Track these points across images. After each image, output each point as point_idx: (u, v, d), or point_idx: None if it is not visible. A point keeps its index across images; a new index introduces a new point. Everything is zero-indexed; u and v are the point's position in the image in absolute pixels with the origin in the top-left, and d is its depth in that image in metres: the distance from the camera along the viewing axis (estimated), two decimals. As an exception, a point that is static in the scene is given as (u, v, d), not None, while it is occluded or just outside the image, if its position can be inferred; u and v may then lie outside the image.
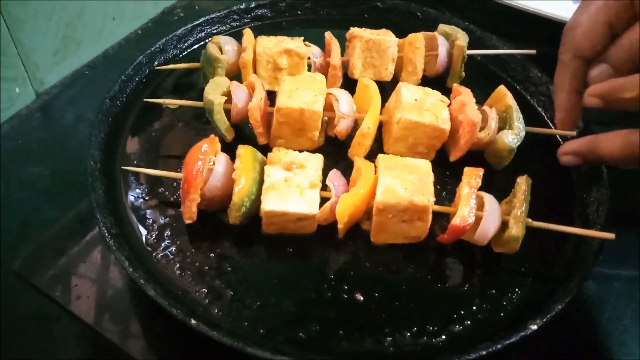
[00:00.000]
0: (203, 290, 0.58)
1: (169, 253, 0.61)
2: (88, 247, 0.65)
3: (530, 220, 0.60)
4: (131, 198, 0.65)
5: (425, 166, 0.62)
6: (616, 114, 0.64)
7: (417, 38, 0.76)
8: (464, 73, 0.79)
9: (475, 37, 0.82)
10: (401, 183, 0.59)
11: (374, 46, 0.76)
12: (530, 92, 0.81)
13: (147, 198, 0.65)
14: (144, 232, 0.62)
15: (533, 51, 0.79)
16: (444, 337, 0.57)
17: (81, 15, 0.84)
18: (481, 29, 0.85)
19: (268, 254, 0.62)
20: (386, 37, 0.76)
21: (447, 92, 0.72)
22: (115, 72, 0.75)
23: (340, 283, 0.60)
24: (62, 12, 0.81)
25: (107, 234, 0.58)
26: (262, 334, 0.56)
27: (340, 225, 0.60)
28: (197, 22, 0.82)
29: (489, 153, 0.70)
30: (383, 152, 0.68)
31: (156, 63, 0.78)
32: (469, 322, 0.58)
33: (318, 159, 0.63)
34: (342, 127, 0.68)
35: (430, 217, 0.60)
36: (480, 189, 0.61)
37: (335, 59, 0.75)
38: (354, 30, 0.77)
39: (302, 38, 0.76)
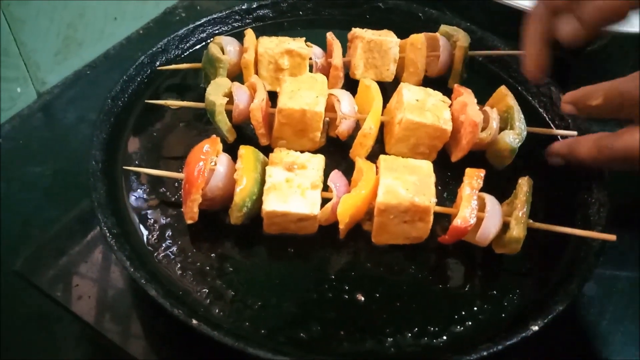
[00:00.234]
0: (204, 290, 0.58)
1: (170, 253, 0.61)
2: (89, 247, 0.66)
3: (531, 221, 0.60)
4: (132, 198, 0.65)
5: (426, 167, 0.62)
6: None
7: (419, 39, 0.76)
8: (465, 74, 0.79)
9: (476, 38, 0.82)
10: (402, 184, 0.60)
11: (375, 47, 0.76)
12: (532, 93, 0.81)
13: (148, 198, 0.65)
14: (145, 232, 0.62)
15: (534, 52, 0.79)
16: (445, 337, 0.57)
17: (82, 15, 0.84)
18: (483, 29, 0.85)
19: (269, 255, 0.62)
20: (388, 38, 0.76)
21: (448, 92, 0.72)
22: (116, 72, 0.75)
23: (341, 283, 0.60)
24: (64, 12, 0.81)
25: (108, 234, 0.58)
26: (263, 335, 0.56)
27: (341, 226, 0.60)
28: (199, 22, 0.82)
29: (491, 153, 0.70)
30: (384, 153, 0.68)
31: (158, 63, 0.78)
32: (470, 323, 0.58)
33: (319, 160, 0.63)
34: (343, 127, 0.68)
35: (431, 218, 0.60)
36: (482, 190, 0.61)
37: (337, 59, 0.75)
38: (356, 31, 0.77)
39: (304, 38, 0.76)
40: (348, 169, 0.65)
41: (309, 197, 0.60)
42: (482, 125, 0.67)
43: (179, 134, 0.72)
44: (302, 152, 0.64)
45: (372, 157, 0.65)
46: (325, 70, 0.76)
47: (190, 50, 0.82)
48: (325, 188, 0.62)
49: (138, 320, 0.61)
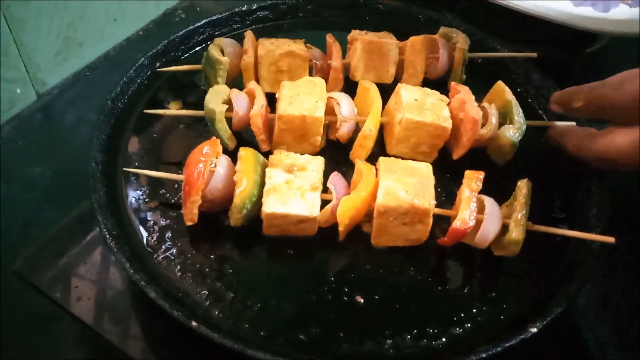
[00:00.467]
0: (204, 292, 0.58)
1: (169, 255, 0.61)
2: (88, 248, 0.66)
3: (530, 223, 0.60)
4: (132, 200, 0.65)
5: (426, 169, 0.62)
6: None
7: (419, 41, 0.76)
8: (464, 75, 0.79)
9: (476, 40, 0.82)
10: (402, 186, 0.60)
11: (375, 49, 0.76)
12: (531, 95, 0.81)
13: (148, 200, 0.65)
14: (144, 233, 0.62)
15: (534, 54, 0.80)
16: (444, 339, 0.57)
17: (83, 16, 0.84)
18: (482, 31, 0.85)
19: (269, 256, 0.62)
20: (387, 40, 0.76)
21: (447, 94, 0.72)
22: (116, 73, 0.75)
23: (340, 285, 0.60)
24: (64, 13, 0.81)
25: (108, 236, 0.58)
26: (262, 336, 0.56)
27: (341, 228, 0.60)
28: (199, 24, 0.82)
29: (492, 149, 0.70)
30: (384, 154, 0.68)
31: (158, 64, 0.78)
32: (469, 325, 0.58)
33: (319, 162, 0.63)
34: (343, 130, 0.68)
35: (431, 220, 0.60)
36: (481, 192, 0.61)
37: (337, 61, 0.75)
38: (355, 33, 0.77)
39: (304, 40, 0.76)
40: (348, 171, 0.65)
41: (309, 199, 0.60)
42: (481, 121, 0.67)
43: (179, 136, 0.72)
44: (302, 154, 0.64)
45: (372, 158, 0.65)
46: (325, 72, 0.76)
47: (190, 52, 0.82)
48: (325, 190, 0.62)
49: (137, 322, 0.61)
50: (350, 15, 0.89)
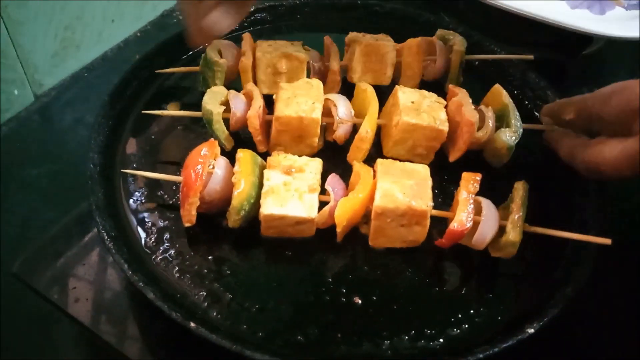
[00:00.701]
0: (202, 293, 0.58)
1: (168, 256, 0.61)
2: (86, 250, 0.66)
3: (527, 225, 0.60)
4: (130, 201, 0.65)
5: (423, 171, 0.63)
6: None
7: (416, 43, 0.77)
8: (462, 77, 0.79)
9: (473, 42, 0.82)
10: (400, 188, 0.60)
11: (373, 51, 0.76)
12: (528, 97, 0.81)
13: (146, 201, 0.65)
14: (143, 235, 0.62)
15: (530, 56, 0.80)
16: (441, 340, 0.57)
17: (80, 17, 0.84)
18: (480, 33, 0.85)
19: (267, 258, 0.62)
20: (385, 42, 0.76)
21: (445, 96, 0.72)
22: (114, 74, 0.75)
23: (338, 286, 0.60)
24: (62, 14, 0.81)
25: (106, 237, 0.58)
26: (260, 337, 0.56)
27: (338, 229, 0.60)
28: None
29: (488, 152, 0.71)
30: (381, 156, 0.68)
31: (155, 66, 0.78)
32: (466, 326, 0.58)
33: (317, 163, 0.63)
34: (340, 132, 0.68)
35: (428, 221, 0.60)
36: (478, 193, 0.62)
37: (335, 63, 0.75)
38: (353, 35, 0.77)
39: (301, 42, 0.76)
40: (345, 173, 0.65)
41: (307, 200, 0.60)
42: (478, 124, 0.68)
43: (177, 137, 0.72)
44: (300, 156, 0.64)
45: (370, 160, 0.66)
46: (323, 74, 0.76)
47: (188, 54, 0.82)
48: (323, 191, 0.62)
49: (135, 323, 0.61)
50: (348, 18, 0.90)
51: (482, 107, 0.71)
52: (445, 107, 0.69)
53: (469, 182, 0.62)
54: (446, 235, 0.60)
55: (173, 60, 0.80)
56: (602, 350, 0.63)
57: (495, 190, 0.64)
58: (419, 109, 0.68)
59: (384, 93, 0.73)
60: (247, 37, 0.75)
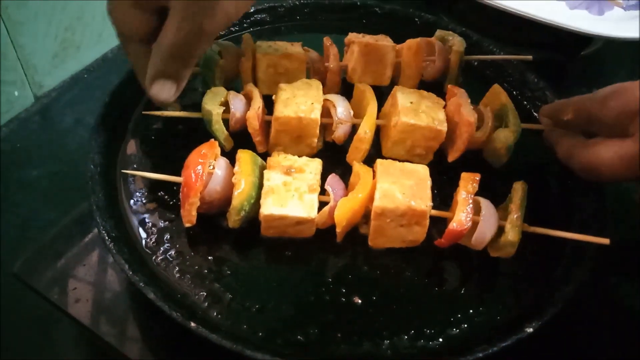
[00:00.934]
0: (202, 293, 0.58)
1: (168, 256, 0.61)
2: (87, 250, 0.66)
3: (526, 225, 0.61)
4: (131, 201, 0.65)
5: (423, 171, 0.63)
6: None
7: (415, 43, 0.77)
8: (461, 78, 0.79)
9: (472, 43, 0.83)
10: (399, 188, 0.60)
11: (372, 51, 0.76)
12: (527, 97, 0.81)
13: (146, 201, 0.65)
14: (143, 235, 0.62)
15: (529, 57, 0.80)
16: (441, 340, 0.57)
17: (81, 18, 0.84)
18: (479, 34, 0.86)
19: (267, 258, 0.62)
20: (384, 43, 0.76)
21: (444, 96, 0.72)
22: (114, 75, 0.75)
23: (338, 286, 0.60)
24: (62, 15, 0.81)
25: (106, 237, 0.58)
26: (261, 337, 0.56)
27: (338, 229, 0.60)
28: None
29: (487, 152, 0.71)
30: (381, 156, 0.69)
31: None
32: (465, 325, 0.58)
33: (317, 164, 0.64)
34: (340, 132, 0.69)
35: (427, 221, 0.60)
36: (477, 194, 0.62)
37: (334, 64, 0.75)
38: (353, 36, 0.78)
39: (301, 43, 0.76)
40: (345, 173, 0.66)
41: (307, 200, 0.60)
42: (476, 124, 0.68)
43: (177, 138, 0.72)
44: (299, 156, 0.65)
45: (369, 160, 0.66)
46: (323, 74, 0.76)
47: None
48: (323, 192, 0.62)
49: (135, 323, 0.61)
50: (347, 18, 0.90)
51: (481, 107, 0.71)
52: (444, 107, 0.70)
53: (468, 182, 0.62)
54: (445, 235, 0.60)
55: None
56: (601, 349, 0.63)
57: (494, 190, 0.64)
58: (418, 110, 0.68)
59: (383, 93, 0.74)
60: (247, 37, 0.75)
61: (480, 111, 0.70)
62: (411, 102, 0.68)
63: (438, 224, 0.63)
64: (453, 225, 0.59)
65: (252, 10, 0.87)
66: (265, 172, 0.62)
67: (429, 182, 0.62)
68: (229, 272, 0.60)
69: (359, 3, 0.90)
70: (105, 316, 0.61)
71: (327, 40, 0.78)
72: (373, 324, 0.58)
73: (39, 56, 0.81)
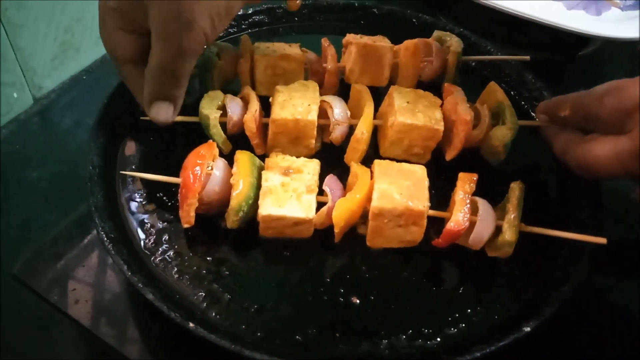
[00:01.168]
0: (201, 293, 0.59)
1: (167, 257, 0.61)
2: (86, 251, 0.66)
3: (523, 225, 0.61)
4: (130, 202, 0.65)
5: (420, 172, 0.63)
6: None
7: (413, 44, 0.77)
8: (458, 78, 0.79)
9: (469, 43, 0.83)
10: (397, 188, 0.60)
11: (370, 52, 0.76)
12: (524, 98, 0.81)
13: (145, 202, 0.65)
14: (142, 236, 0.63)
15: (527, 57, 0.80)
16: (438, 339, 0.57)
17: (80, 20, 0.84)
18: (477, 35, 0.86)
19: (265, 258, 0.62)
20: (382, 44, 0.77)
21: (441, 96, 0.72)
22: (113, 77, 0.74)
23: (336, 286, 0.60)
24: (61, 17, 0.81)
25: (105, 238, 0.58)
26: (259, 337, 0.56)
27: (336, 230, 0.60)
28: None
29: (485, 149, 0.71)
30: (379, 157, 0.69)
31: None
32: (463, 325, 0.58)
33: (315, 164, 0.64)
34: (337, 133, 0.69)
35: (425, 222, 0.60)
36: (475, 194, 0.62)
37: (332, 65, 0.75)
38: (350, 37, 0.78)
39: (299, 44, 0.76)
40: (343, 174, 0.66)
41: (305, 201, 0.61)
42: (473, 122, 0.68)
43: (176, 139, 0.72)
44: (297, 157, 0.65)
45: (367, 161, 0.66)
46: (321, 75, 0.76)
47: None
48: (321, 192, 0.63)
49: (135, 324, 0.61)
50: (345, 19, 0.90)
51: (478, 105, 0.71)
52: (441, 106, 0.70)
53: (466, 182, 0.62)
54: (443, 235, 0.60)
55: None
56: (598, 349, 0.63)
57: (491, 190, 0.64)
58: (414, 109, 0.68)
59: (381, 94, 0.74)
60: (245, 39, 0.75)
61: (476, 109, 0.70)
62: (408, 102, 0.68)
63: (436, 224, 0.64)
64: (450, 225, 0.59)
65: (250, 12, 0.87)
66: (263, 172, 0.62)
67: (426, 183, 0.62)
68: (227, 273, 0.61)
69: (356, 4, 0.91)
70: (104, 317, 0.61)
71: (325, 42, 0.78)
72: (371, 323, 0.58)
73: (38, 58, 0.81)
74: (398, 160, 0.65)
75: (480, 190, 0.63)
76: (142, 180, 0.67)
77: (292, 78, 0.74)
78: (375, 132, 0.72)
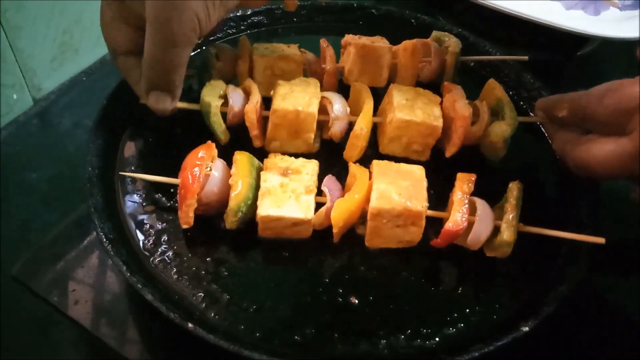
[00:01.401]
0: (200, 294, 0.59)
1: (166, 258, 0.61)
2: (86, 252, 0.66)
3: (522, 225, 0.61)
4: (128, 203, 0.65)
5: (419, 172, 0.63)
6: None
7: (411, 44, 0.77)
8: (457, 79, 0.80)
9: (468, 43, 0.83)
10: (395, 189, 0.60)
11: (368, 53, 0.76)
12: (523, 98, 0.82)
13: (144, 203, 0.66)
14: (141, 237, 0.63)
15: (525, 57, 0.81)
16: (437, 339, 0.57)
17: (79, 21, 0.85)
18: (475, 35, 0.86)
19: (264, 259, 0.62)
20: (381, 44, 0.77)
21: (441, 95, 0.72)
22: (112, 78, 0.75)
23: (335, 287, 0.61)
24: (60, 19, 0.81)
25: (104, 239, 0.58)
26: (258, 337, 0.56)
27: (335, 230, 0.61)
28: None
29: (485, 146, 0.71)
30: (378, 154, 0.69)
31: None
32: (462, 325, 0.59)
33: (313, 165, 0.64)
34: (336, 129, 0.69)
35: (423, 222, 0.60)
36: (473, 194, 0.62)
37: (331, 65, 0.75)
38: (349, 37, 0.78)
39: (298, 45, 0.76)
40: (342, 174, 0.66)
41: (303, 201, 0.61)
42: (472, 119, 0.68)
43: (175, 140, 0.72)
44: (296, 154, 0.65)
45: (366, 161, 0.66)
46: (319, 76, 0.76)
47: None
48: (320, 193, 0.63)
49: (134, 324, 0.61)
50: (343, 20, 0.90)
51: (477, 102, 0.71)
52: (440, 103, 0.70)
53: (464, 182, 0.62)
54: (441, 235, 0.60)
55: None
56: (597, 348, 0.63)
57: (489, 190, 0.64)
58: (414, 106, 0.68)
59: (380, 95, 0.74)
60: (243, 40, 0.76)
61: (475, 106, 0.70)
62: (407, 99, 0.69)
63: (434, 224, 0.64)
64: (449, 225, 0.60)
65: (249, 13, 0.87)
66: (262, 173, 0.62)
67: (424, 183, 0.62)
68: (226, 273, 0.61)
69: (355, 5, 0.91)
70: (104, 318, 0.61)
71: (323, 42, 0.78)
72: (370, 323, 0.58)
73: (37, 59, 0.81)
74: (397, 159, 0.65)
75: (479, 190, 0.63)
76: (141, 181, 0.67)
77: (291, 79, 0.74)
78: (375, 130, 0.72)
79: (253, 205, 0.61)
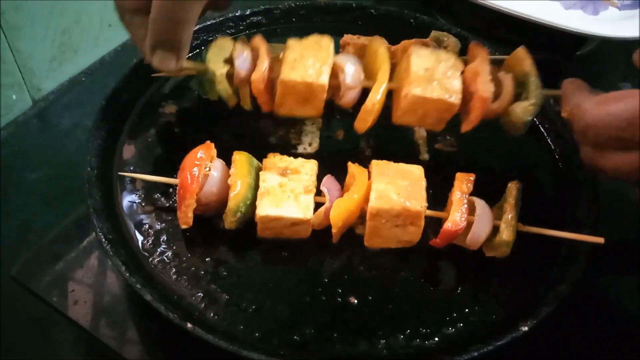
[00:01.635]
0: (199, 294, 0.59)
1: (165, 258, 0.61)
2: (85, 253, 0.66)
3: (521, 224, 0.61)
4: (128, 204, 0.65)
5: (417, 172, 0.63)
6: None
7: (410, 44, 0.77)
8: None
9: (467, 43, 0.83)
10: (394, 188, 0.60)
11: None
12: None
13: (143, 204, 0.66)
14: (140, 237, 0.63)
15: (524, 57, 0.80)
16: (436, 339, 0.57)
17: (78, 22, 0.85)
18: (474, 35, 0.86)
19: (263, 259, 0.63)
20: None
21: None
22: (111, 78, 0.75)
23: (334, 287, 0.61)
24: (59, 19, 0.82)
25: (104, 240, 0.58)
26: (257, 337, 0.56)
27: (334, 230, 0.61)
28: (193, 29, 0.83)
29: (504, 122, 0.68)
30: (389, 123, 0.67)
31: (152, 69, 0.78)
32: (461, 325, 0.59)
33: (312, 165, 0.64)
34: (348, 98, 0.67)
35: (422, 222, 0.60)
36: (472, 194, 0.62)
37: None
38: (348, 37, 0.78)
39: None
40: (341, 174, 0.66)
41: (302, 201, 0.61)
42: (492, 97, 0.64)
43: (174, 140, 0.72)
44: (304, 118, 0.64)
45: (365, 161, 0.66)
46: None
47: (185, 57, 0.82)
48: (319, 193, 0.63)
49: (133, 325, 0.61)
50: (343, 20, 0.90)
51: (502, 73, 0.67)
52: (462, 72, 0.66)
53: (463, 182, 0.62)
54: (440, 235, 0.60)
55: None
56: (596, 348, 0.63)
57: (489, 190, 0.64)
58: (432, 78, 0.64)
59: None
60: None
61: (499, 80, 0.66)
62: (426, 69, 0.64)
63: (433, 224, 0.64)
64: (448, 225, 0.60)
65: (247, 13, 0.87)
66: (261, 173, 0.62)
67: (423, 183, 0.62)
68: (225, 273, 0.61)
69: (354, 5, 0.91)
70: (103, 318, 0.61)
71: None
72: (369, 323, 0.58)
73: (36, 60, 0.81)
74: (411, 127, 0.62)
75: (478, 190, 0.63)
76: (140, 181, 0.67)
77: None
78: (389, 95, 0.68)
79: (252, 205, 0.61)
